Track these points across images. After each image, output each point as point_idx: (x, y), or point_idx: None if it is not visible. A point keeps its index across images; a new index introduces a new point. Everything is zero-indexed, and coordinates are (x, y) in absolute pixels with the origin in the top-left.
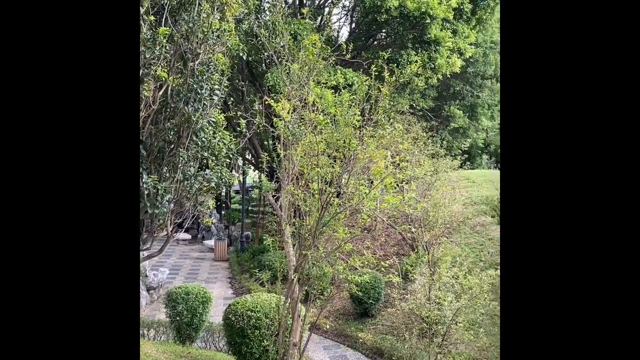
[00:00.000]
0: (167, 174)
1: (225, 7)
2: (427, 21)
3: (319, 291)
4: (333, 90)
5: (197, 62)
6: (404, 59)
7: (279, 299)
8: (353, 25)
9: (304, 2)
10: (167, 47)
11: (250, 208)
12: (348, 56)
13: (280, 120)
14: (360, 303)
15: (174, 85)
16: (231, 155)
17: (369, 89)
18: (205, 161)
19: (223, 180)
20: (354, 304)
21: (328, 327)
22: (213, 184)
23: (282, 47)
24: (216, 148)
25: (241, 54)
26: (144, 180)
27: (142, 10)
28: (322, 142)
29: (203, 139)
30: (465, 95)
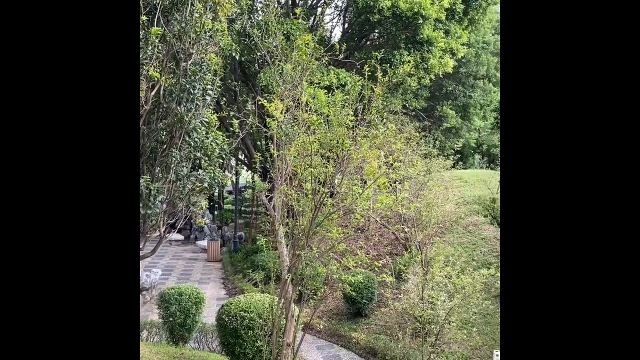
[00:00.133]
0: (160, 175)
1: (218, 7)
2: (419, 21)
3: (313, 291)
4: (326, 91)
5: (189, 62)
6: (397, 59)
7: (272, 299)
8: (346, 25)
9: (297, 2)
10: (160, 47)
11: (243, 208)
12: (341, 56)
13: (274, 120)
14: (354, 303)
15: (166, 85)
16: (224, 156)
17: (362, 89)
18: (198, 161)
19: (216, 180)
20: (348, 303)
21: (321, 327)
22: (206, 185)
23: (275, 47)
24: (209, 148)
25: (234, 54)
26: None
27: None
28: (315, 142)
29: (196, 139)
30: (458, 96)
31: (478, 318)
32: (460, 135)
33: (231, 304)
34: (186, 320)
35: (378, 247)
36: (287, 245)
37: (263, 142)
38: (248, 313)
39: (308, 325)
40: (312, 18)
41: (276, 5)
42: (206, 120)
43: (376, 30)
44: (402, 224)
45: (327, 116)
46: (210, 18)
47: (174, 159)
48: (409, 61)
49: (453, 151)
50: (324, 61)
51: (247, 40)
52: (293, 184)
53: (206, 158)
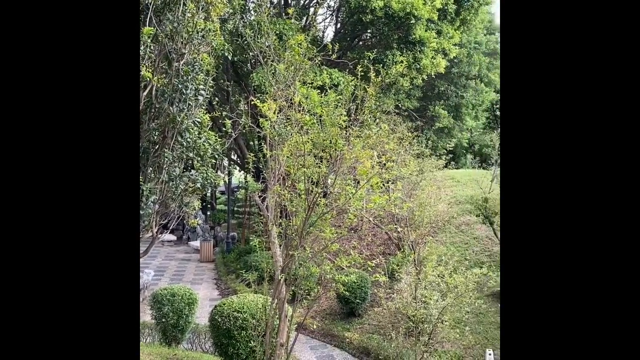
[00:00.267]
0: (152, 175)
1: (210, 7)
2: (411, 22)
3: (306, 291)
4: (319, 91)
5: (181, 62)
6: (389, 59)
7: (265, 299)
8: (338, 25)
9: (289, 2)
10: (152, 47)
11: (236, 209)
12: (334, 56)
13: (267, 120)
14: (347, 303)
15: (158, 85)
16: (216, 156)
17: (355, 89)
18: (190, 162)
19: (208, 180)
20: (341, 303)
21: (315, 327)
22: (198, 185)
23: (267, 47)
24: (201, 148)
25: (226, 54)
26: None
27: None
28: (308, 142)
29: (188, 139)
30: (450, 96)
31: (471, 317)
32: (452, 135)
33: (224, 304)
34: (179, 321)
35: (371, 246)
36: (280, 246)
37: (256, 142)
38: (241, 313)
39: (301, 325)
40: (305, 18)
41: (269, 5)
42: (199, 120)
43: (369, 31)
44: (395, 224)
45: (320, 116)
46: (203, 18)
47: (167, 159)
48: (402, 61)
49: (445, 151)
50: (316, 61)
51: (239, 40)
52: (286, 184)
53: (199, 158)
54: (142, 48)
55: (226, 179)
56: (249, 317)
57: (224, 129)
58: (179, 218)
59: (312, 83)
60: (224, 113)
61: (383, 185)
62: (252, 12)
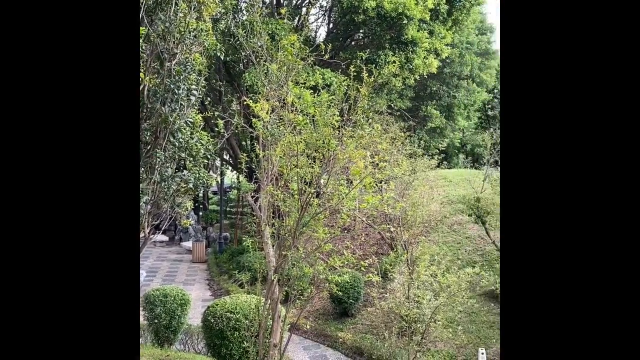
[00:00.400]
0: (144, 175)
1: (202, 7)
2: (404, 22)
3: (299, 292)
4: (312, 91)
5: (174, 62)
6: (382, 60)
7: (258, 300)
8: (331, 25)
9: (282, 1)
10: (144, 47)
11: (228, 209)
12: (326, 56)
13: (259, 120)
14: (340, 303)
15: (150, 85)
16: (209, 156)
17: (347, 90)
18: (182, 162)
19: (201, 181)
20: (334, 303)
21: (308, 327)
22: (191, 185)
23: (260, 47)
24: (194, 149)
25: (218, 54)
26: None
27: None
28: (301, 142)
29: (180, 139)
30: (442, 96)
31: (463, 316)
32: (444, 135)
33: (217, 305)
34: (171, 322)
35: (364, 246)
36: (273, 246)
37: (248, 142)
38: (234, 314)
39: (294, 325)
40: (297, 18)
41: (261, 5)
42: (191, 120)
43: (361, 31)
44: (388, 224)
45: (313, 116)
46: (195, 18)
47: (158, 159)
48: (394, 61)
49: (438, 151)
50: (309, 61)
51: (231, 40)
52: (279, 184)
53: (191, 158)
54: None
55: (218, 179)
56: (241, 318)
57: (216, 129)
58: (171, 219)
59: (304, 83)
60: (217, 113)
61: (376, 185)
62: (245, 12)
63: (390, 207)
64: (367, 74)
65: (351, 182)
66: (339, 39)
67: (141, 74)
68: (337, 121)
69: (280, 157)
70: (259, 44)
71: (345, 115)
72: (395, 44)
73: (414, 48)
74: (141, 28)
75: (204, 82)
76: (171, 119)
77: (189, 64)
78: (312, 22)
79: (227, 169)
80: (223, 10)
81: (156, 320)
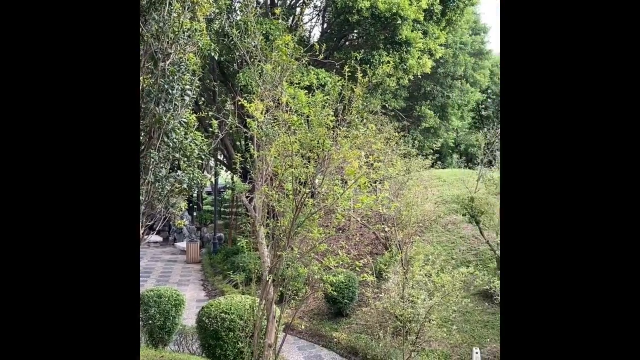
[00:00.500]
0: None
1: (196, 7)
2: (398, 22)
3: (294, 292)
4: (306, 91)
5: (167, 62)
6: (376, 60)
7: (253, 300)
8: (325, 25)
9: (276, 1)
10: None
11: (222, 209)
12: (321, 56)
13: (254, 120)
14: (335, 303)
15: (144, 85)
16: (203, 156)
17: (342, 90)
18: (176, 162)
19: (195, 181)
20: (329, 303)
21: (303, 327)
22: (185, 186)
23: (254, 47)
24: (188, 149)
25: (212, 54)
26: None
27: None
28: (295, 142)
29: (174, 139)
30: (436, 96)
31: (457, 316)
32: (438, 135)
33: (211, 305)
34: (166, 322)
35: (359, 246)
36: (268, 246)
37: (243, 142)
38: (229, 315)
39: (289, 325)
40: (291, 18)
41: (255, 5)
42: (185, 120)
43: (355, 31)
44: (383, 224)
45: (308, 116)
46: (189, 18)
47: (152, 160)
48: (388, 62)
49: (432, 151)
50: (303, 61)
51: (226, 40)
52: (274, 184)
53: (185, 159)
54: None
55: (212, 179)
56: (236, 319)
57: (210, 129)
58: (165, 219)
59: (299, 83)
60: (211, 113)
61: (370, 185)
62: (239, 12)
63: (385, 207)
64: (361, 74)
65: (346, 182)
66: (333, 39)
67: None
68: (331, 121)
69: (275, 157)
70: (253, 44)
71: (340, 116)
72: (390, 44)
73: (408, 48)
74: None
75: (198, 82)
76: (165, 119)
77: (183, 64)
78: (306, 22)
79: (222, 169)
80: (217, 10)
81: (150, 321)
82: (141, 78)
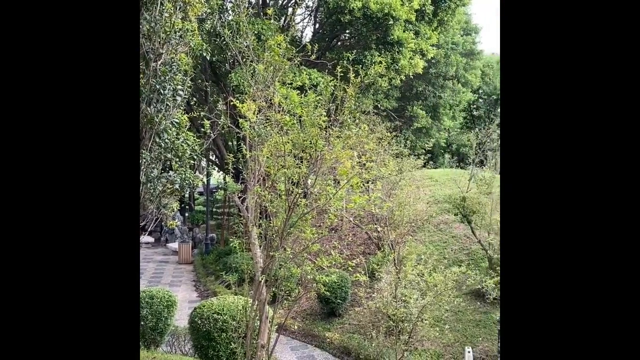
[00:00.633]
0: None
1: (188, 7)
2: (390, 22)
3: (287, 292)
4: (298, 91)
5: (159, 63)
6: (368, 60)
7: (246, 301)
8: (317, 25)
9: (268, 2)
10: None
11: (214, 210)
12: (313, 57)
13: (246, 121)
14: (328, 303)
15: None
16: (195, 157)
17: (334, 90)
18: (168, 163)
19: (187, 181)
20: (321, 303)
21: (295, 327)
22: (177, 186)
23: (246, 47)
24: (179, 149)
25: (204, 54)
26: None
27: None
28: (288, 142)
29: (166, 140)
30: (428, 96)
31: (450, 315)
32: (430, 134)
33: (204, 306)
34: (158, 323)
35: (351, 246)
36: (260, 247)
37: (235, 142)
38: (221, 315)
39: (282, 326)
40: (283, 18)
41: (247, 5)
42: (177, 120)
43: (347, 31)
44: (375, 224)
45: (300, 117)
46: (180, 18)
47: (144, 160)
48: (380, 62)
49: (424, 151)
50: (296, 62)
51: (217, 40)
52: (266, 184)
53: (177, 159)
54: None
55: (205, 180)
56: (229, 319)
57: (202, 129)
58: (157, 220)
59: (291, 83)
60: (203, 113)
61: (363, 185)
62: (231, 12)
63: (377, 207)
64: (353, 75)
65: (338, 182)
66: (326, 40)
67: None
68: (324, 121)
69: (267, 157)
70: (245, 44)
71: (332, 116)
72: (382, 45)
73: (400, 48)
74: None
75: (189, 82)
76: (157, 120)
77: (174, 64)
78: (299, 23)
79: (214, 169)
80: (209, 10)
81: (142, 322)
82: None
